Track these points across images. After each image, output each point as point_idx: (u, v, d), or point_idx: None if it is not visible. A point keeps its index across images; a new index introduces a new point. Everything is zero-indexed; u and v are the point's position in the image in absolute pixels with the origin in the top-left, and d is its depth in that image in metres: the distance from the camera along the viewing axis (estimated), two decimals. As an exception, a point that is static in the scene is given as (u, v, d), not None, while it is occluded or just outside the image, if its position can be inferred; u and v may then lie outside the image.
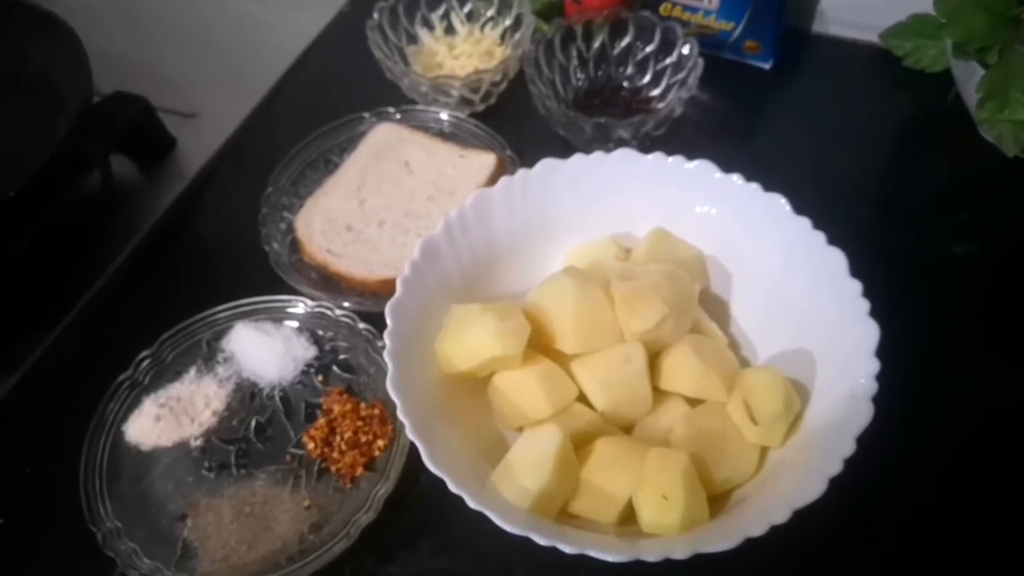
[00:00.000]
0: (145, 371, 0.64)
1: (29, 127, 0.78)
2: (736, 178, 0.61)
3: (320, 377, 0.65)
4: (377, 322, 0.60)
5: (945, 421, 0.60)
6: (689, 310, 0.59)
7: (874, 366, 0.51)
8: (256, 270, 0.69)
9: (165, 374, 0.65)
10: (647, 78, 0.81)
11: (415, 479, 0.59)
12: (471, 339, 0.55)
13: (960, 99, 0.77)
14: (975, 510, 0.57)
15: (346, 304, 0.66)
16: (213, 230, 0.78)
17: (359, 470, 0.59)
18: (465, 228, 0.62)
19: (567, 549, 0.46)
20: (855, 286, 0.54)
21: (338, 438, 0.60)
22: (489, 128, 0.77)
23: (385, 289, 0.65)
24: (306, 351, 0.65)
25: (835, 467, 0.47)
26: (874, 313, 0.53)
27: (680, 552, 0.45)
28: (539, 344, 0.57)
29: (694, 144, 0.64)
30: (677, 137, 0.74)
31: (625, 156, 0.63)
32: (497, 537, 0.47)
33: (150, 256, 0.75)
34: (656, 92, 0.81)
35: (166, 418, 0.62)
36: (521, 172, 0.63)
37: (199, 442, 0.62)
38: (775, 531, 0.46)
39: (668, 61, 0.79)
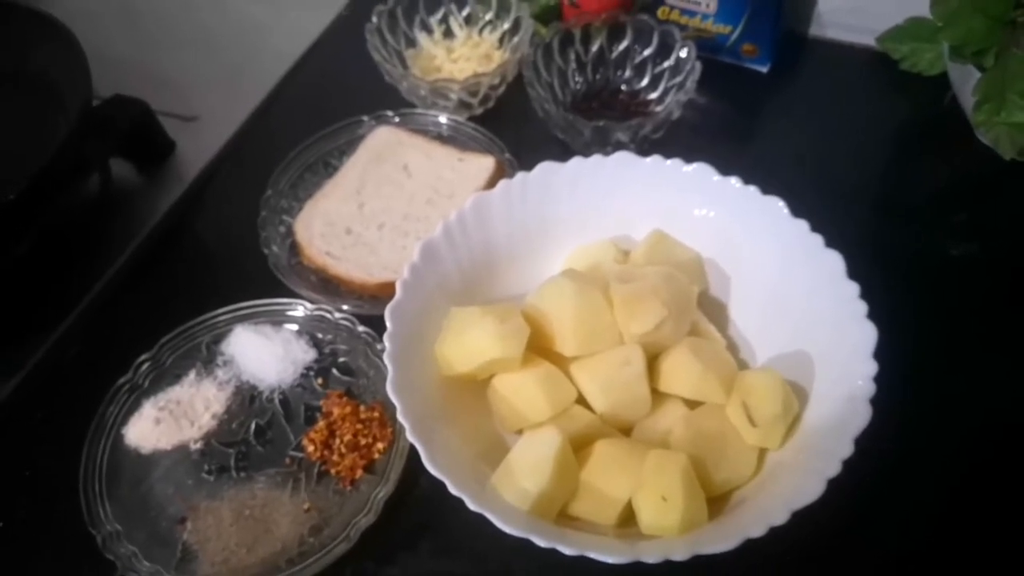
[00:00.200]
0: (145, 374, 0.64)
1: (29, 130, 0.78)
2: (734, 181, 0.61)
3: (320, 380, 0.65)
4: (376, 325, 0.61)
5: (944, 422, 0.60)
6: (688, 312, 0.59)
7: (872, 368, 0.51)
8: (255, 273, 0.69)
9: (165, 377, 0.65)
10: (645, 81, 0.81)
11: (415, 481, 0.59)
12: (471, 341, 0.56)
13: (957, 102, 0.77)
14: (974, 511, 0.57)
15: (345, 307, 0.66)
16: (212, 233, 0.78)
17: (359, 473, 0.59)
18: (464, 231, 0.62)
19: (567, 551, 0.46)
20: (853, 288, 0.54)
21: (338, 441, 0.60)
22: (488, 131, 0.78)
23: (384, 292, 0.65)
24: (305, 354, 0.66)
25: (834, 468, 0.47)
26: (872, 315, 0.53)
27: (680, 553, 0.45)
28: (538, 347, 0.57)
29: (692, 147, 0.64)
30: (675, 140, 0.74)
31: (623, 159, 0.64)
32: (497, 539, 0.48)
33: (150, 259, 0.75)
34: (654, 95, 0.81)
35: (166, 421, 0.62)
36: (520, 175, 0.63)
37: (199, 445, 0.62)
38: (774, 532, 0.46)
39: (666, 64, 0.80)
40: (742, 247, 0.62)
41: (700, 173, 0.62)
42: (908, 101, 0.82)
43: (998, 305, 0.68)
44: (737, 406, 0.55)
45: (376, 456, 0.60)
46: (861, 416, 0.49)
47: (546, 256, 0.65)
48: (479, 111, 0.82)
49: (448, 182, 0.75)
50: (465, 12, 0.87)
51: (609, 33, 0.81)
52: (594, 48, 0.82)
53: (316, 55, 0.92)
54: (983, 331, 0.66)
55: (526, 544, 0.47)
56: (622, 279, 0.58)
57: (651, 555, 0.46)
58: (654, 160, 0.63)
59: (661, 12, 0.84)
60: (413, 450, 0.54)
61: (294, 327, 0.67)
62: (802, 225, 0.58)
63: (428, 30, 0.86)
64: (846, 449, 0.48)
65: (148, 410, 0.63)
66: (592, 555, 0.46)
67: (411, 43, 0.86)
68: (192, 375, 0.65)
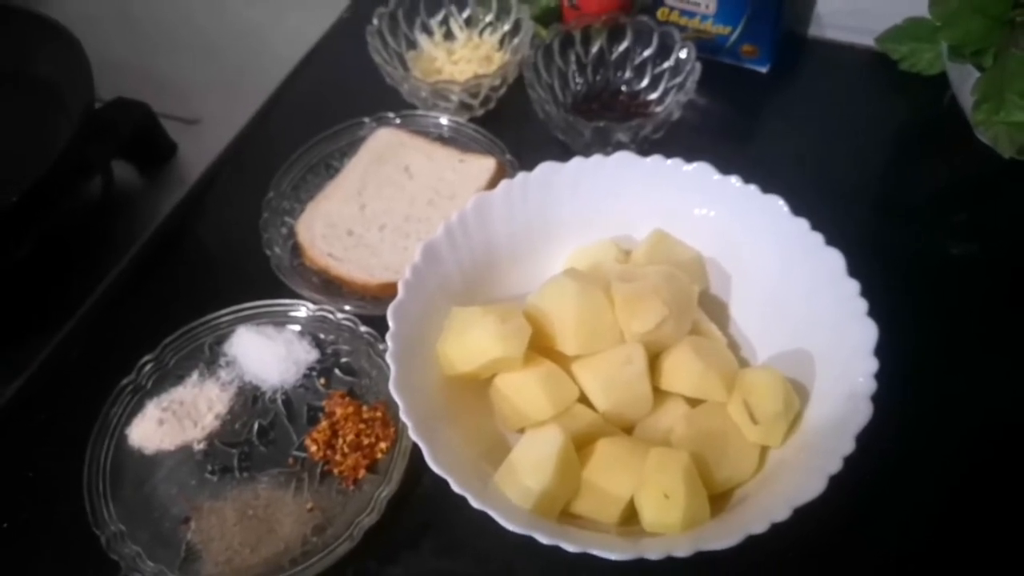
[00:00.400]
0: (148, 375, 0.65)
1: (32, 133, 0.78)
2: (734, 180, 0.61)
3: (322, 380, 0.65)
4: (378, 326, 0.61)
5: (945, 420, 0.60)
6: (689, 311, 0.59)
7: (873, 365, 0.51)
8: (257, 274, 0.70)
9: (168, 378, 0.65)
10: (645, 82, 0.82)
11: (417, 481, 0.59)
12: (472, 341, 0.56)
13: (956, 102, 0.77)
14: (975, 508, 0.57)
15: (347, 308, 0.67)
16: (215, 235, 0.78)
17: (361, 472, 0.59)
18: (466, 231, 0.62)
19: (570, 548, 0.46)
20: (853, 286, 0.55)
21: (340, 441, 0.61)
22: (489, 133, 0.78)
23: (386, 293, 0.65)
24: (308, 354, 0.66)
25: (835, 465, 0.47)
26: (872, 313, 0.53)
27: (682, 550, 0.46)
28: (540, 346, 0.58)
29: (692, 147, 0.65)
30: (675, 140, 0.74)
31: (624, 159, 0.64)
32: (500, 537, 0.48)
33: (152, 261, 0.75)
34: (654, 96, 0.81)
35: (169, 422, 0.62)
36: (521, 175, 0.64)
37: (202, 445, 0.62)
38: (776, 529, 0.46)
39: (666, 65, 0.80)
40: (742, 246, 0.62)
41: (700, 172, 0.62)
42: (907, 101, 0.82)
43: (998, 303, 0.68)
44: (738, 404, 0.55)
45: (379, 456, 0.60)
46: (862, 413, 0.50)
47: (547, 256, 0.65)
48: (480, 112, 0.83)
49: (449, 183, 0.75)
50: (466, 14, 0.87)
51: (609, 34, 0.81)
52: (594, 49, 0.82)
53: (317, 58, 0.92)
54: (983, 330, 0.66)
55: (528, 542, 0.47)
56: (623, 278, 0.58)
57: (653, 552, 0.46)
58: (654, 160, 0.63)
59: (661, 13, 0.85)
60: (415, 450, 0.54)
61: (296, 328, 0.67)
62: (802, 224, 0.58)
63: (429, 32, 0.87)
64: (847, 446, 0.48)
65: (151, 411, 0.63)
66: (594, 552, 0.46)
67: (412, 45, 0.86)
68: (195, 376, 0.65)
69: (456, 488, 0.48)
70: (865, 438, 0.49)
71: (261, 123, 0.86)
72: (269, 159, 0.77)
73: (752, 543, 0.45)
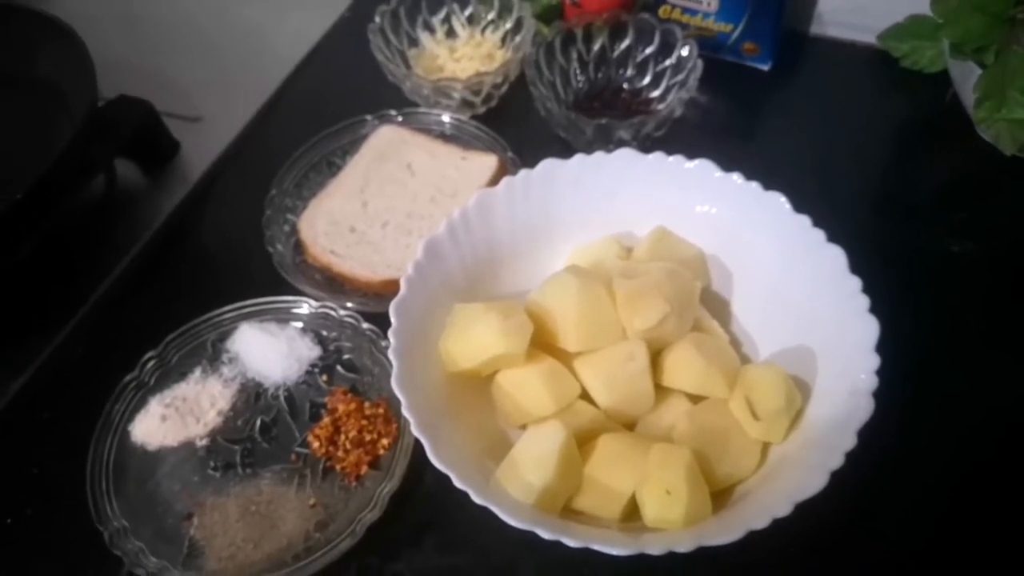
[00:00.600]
0: (151, 372, 0.65)
1: (34, 131, 0.79)
2: (736, 177, 0.61)
3: (324, 377, 0.65)
4: (381, 322, 0.61)
5: (946, 416, 0.60)
6: (690, 308, 0.59)
7: (874, 361, 0.51)
8: (260, 272, 0.70)
9: (171, 375, 0.65)
10: (647, 80, 0.82)
11: (420, 477, 0.59)
12: (475, 338, 0.56)
13: (958, 99, 0.77)
14: (976, 504, 0.57)
15: (350, 305, 0.67)
16: (217, 232, 0.78)
17: (364, 468, 0.59)
18: (468, 228, 0.62)
19: (571, 543, 0.46)
20: (855, 283, 0.55)
21: (343, 437, 0.61)
22: (490, 130, 0.78)
23: (388, 290, 0.66)
24: (310, 351, 0.66)
25: (836, 461, 0.48)
26: (874, 310, 0.53)
27: (684, 545, 0.46)
28: (542, 342, 0.58)
29: (694, 145, 0.65)
30: (677, 138, 0.74)
31: (626, 156, 0.64)
32: (502, 533, 0.48)
33: (155, 258, 0.75)
34: (656, 93, 0.81)
35: (172, 418, 0.63)
36: (523, 172, 0.64)
37: (205, 442, 0.62)
38: (777, 525, 0.46)
39: (668, 63, 0.80)
40: (744, 243, 0.62)
41: (702, 169, 0.62)
42: (909, 99, 0.82)
43: (998, 300, 0.68)
44: (740, 400, 0.55)
45: (381, 452, 0.60)
46: (864, 410, 0.50)
47: (549, 253, 0.66)
48: (482, 110, 0.83)
49: (451, 180, 0.75)
50: (467, 12, 0.87)
51: (611, 32, 0.81)
52: (596, 47, 0.82)
53: (319, 56, 0.92)
54: (984, 326, 0.66)
55: (530, 538, 0.47)
56: (625, 275, 0.58)
57: (655, 547, 0.46)
58: (656, 157, 0.63)
59: (663, 11, 0.85)
60: (418, 446, 0.54)
61: (299, 324, 0.67)
62: (804, 220, 0.58)
63: (431, 30, 0.87)
64: (849, 442, 0.48)
65: (154, 407, 0.63)
66: (596, 547, 0.46)
67: (414, 43, 0.86)
68: (198, 372, 0.65)
69: (458, 484, 0.48)
70: (867, 434, 0.49)
71: (263, 121, 0.86)
72: (271, 157, 0.77)
73: (754, 539, 0.46)
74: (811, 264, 0.57)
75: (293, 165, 0.76)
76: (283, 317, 0.68)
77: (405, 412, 0.51)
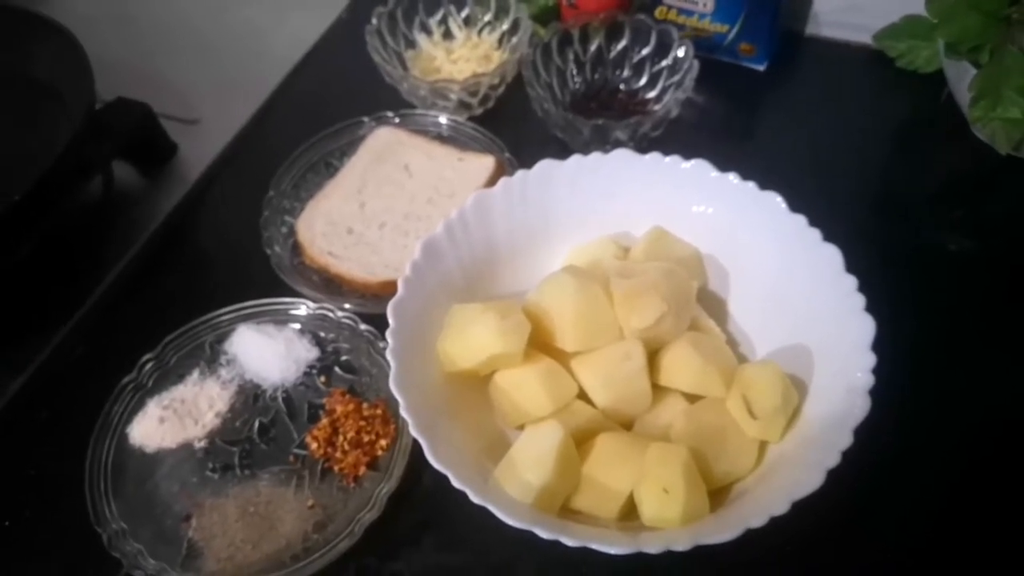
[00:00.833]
0: (149, 373, 0.65)
1: (32, 133, 0.79)
2: (732, 177, 0.61)
3: (322, 378, 0.65)
4: (378, 324, 0.61)
5: (943, 414, 0.61)
6: (687, 307, 0.59)
7: (871, 360, 0.51)
8: (258, 273, 0.70)
9: (169, 376, 0.65)
10: (643, 80, 0.82)
11: (418, 478, 0.59)
12: (472, 338, 0.56)
13: (953, 99, 0.78)
14: (973, 502, 0.57)
15: (347, 306, 0.67)
16: (215, 234, 0.78)
17: (362, 469, 0.60)
18: (466, 228, 0.62)
19: (570, 542, 0.46)
20: (851, 281, 0.55)
21: (341, 438, 0.61)
22: (487, 131, 0.78)
23: (386, 291, 0.66)
24: (308, 352, 0.66)
25: (833, 459, 0.48)
26: (870, 308, 0.53)
27: (681, 544, 0.46)
28: (539, 342, 0.58)
29: (691, 145, 0.65)
30: (674, 138, 0.74)
31: (623, 156, 0.64)
32: (500, 533, 0.48)
33: (153, 260, 0.75)
34: (652, 94, 0.81)
35: (170, 420, 0.63)
36: (521, 172, 0.64)
37: (203, 443, 0.62)
38: (775, 523, 0.46)
39: (664, 63, 0.80)
40: (741, 242, 0.62)
41: (698, 169, 0.62)
42: (905, 98, 0.83)
43: (995, 298, 0.68)
44: (737, 399, 0.55)
45: (379, 453, 0.60)
46: (860, 408, 0.50)
47: (547, 253, 0.66)
48: (479, 111, 0.83)
49: (448, 181, 0.75)
50: (464, 13, 0.87)
51: (607, 33, 0.81)
52: (592, 48, 0.82)
53: (316, 57, 0.92)
54: (981, 324, 0.66)
55: (528, 538, 0.47)
56: (622, 275, 0.58)
57: (653, 546, 0.46)
58: (653, 157, 0.63)
59: (659, 12, 0.85)
60: (416, 447, 0.55)
61: (297, 326, 0.68)
62: (800, 220, 0.58)
63: (427, 31, 0.87)
64: (846, 440, 0.48)
65: (152, 409, 0.63)
66: (594, 546, 0.46)
67: (411, 44, 0.86)
68: (196, 374, 0.65)
69: (456, 484, 0.48)
70: (864, 432, 0.49)
71: (261, 123, 0.86)
72: (269, 158, 0.77)
73: (751, 537, 0.46)
74: (807, 263, 0.58)
75: (291, 166, 0.77)
76: (281, 318, 0.68)
77: (403, 413, 0.51)
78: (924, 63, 0.81)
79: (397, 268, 0.67)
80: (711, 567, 0.51)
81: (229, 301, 0.68)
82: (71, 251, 0.75)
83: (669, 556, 0.46)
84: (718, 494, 0.54)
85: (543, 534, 0.47)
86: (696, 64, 0.76)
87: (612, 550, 0.46)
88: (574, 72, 0.83)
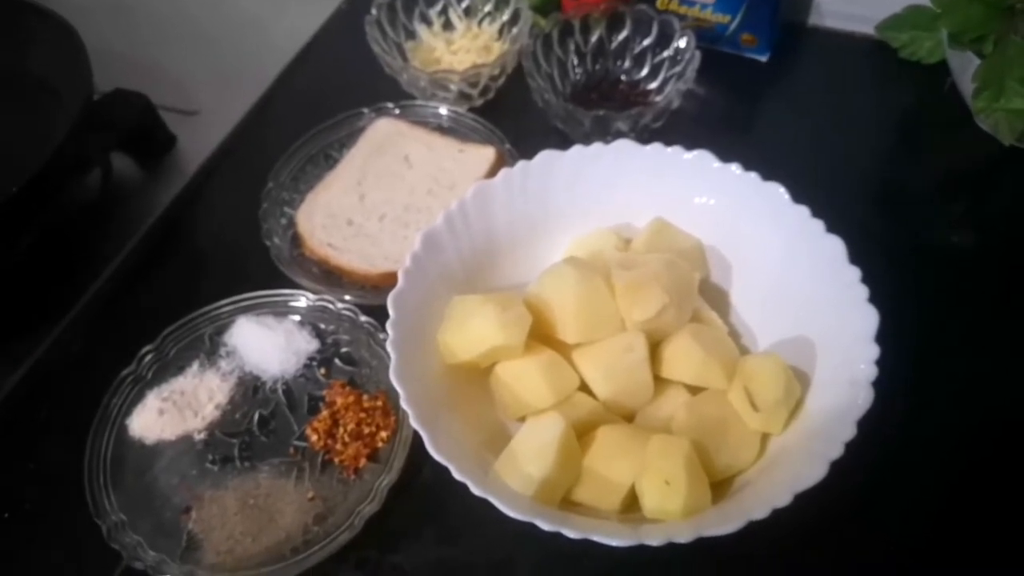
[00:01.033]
0: (148, 365, 0.65)
1: (30, 125, 0.78)
2: (735, 168, 0.61)
3: (322, 370, 0.65)
4: (378, 315, 0.61)
5: (946, 406, 0.60)
6: (689, 299, 0.59)
7: (874, 352, 0.51)
8: (258, 265, 0.70)
9: (168, 368, 0.65)
10: (645, 71, 0.81)
11: (418, 470, 0.59)
12: (473, 329, 0.56)
13: (956, 89, 0.77)
14: (976, 494, 0.57)
15: (347, 298, 0.67)
16: (214, 226, 0.78)
17: (362, 461, 0.59)
18: (466, 220, 0.62)
19: (571, 534, 0.46)
20: (854, 273, 0.54)
21: (341, 430, 0.61)
22: (488, 122, 0.78)
23: (386, 282, 0.65)
24: (308, 344, 0.66)
25: (836, 451, 0.47)
26: (873, 300, 0.53)
27: (683, 536, 0.46)
28: (541, 334, 0.58)
29: (692, 136, 0.64)
30: (675, 129, 0.74)
31: (624, 147, 0.64)
32: (501, 525, 0.48)
33: (152, 253, 0.75)
34: (654, 85, 0.81)
35: (169, 412, 0.62)
36: (521, 163, 0.63)
37: (203, 435, 0.62)
38: (777, 516, 0.46)
39: (665, 54, 0.80)
40: (743, 233, 0.62)
41: (701, 160, 0.62)
42: (908, 89, 0.82)
43: (998, 289, 0.68)
44: (739, 391, 0.55)
45: (379, 445, 0.60)
46: (863, 399, 0.50)
47: (548, 244, 0.65)
48: (479, 102, 0.82)
49: (449, 173, 0.75)
50: (464, 4, 0.87)
51: (608, 23, 0.81)
52: (593, 38, 0.82)
53: (316, 48, 0.92)
54: (984, 315, 0.66)
55: (529, 530, 0.47)
56: (624, 266, 0.58)
57: (654, 538, 0.46)
58: (654, 148, 0.63)
59: (660, 2, 0.84)
60: (416, 439, 0.54)
61: (296, 318, 0.67)
62: (803, 211, 0.58)
63: (427, 22, 0.86)
64: (848, 432, 0.48)
65: (152, 401, 0.63)
66: (596, 538, 0.46)
67: (411, 35, 0.86)
68: (195, 366, 0.65)
69: (457, 476, 0.48)
70: (867, 424, 0.49)
71: (260, 114, 0.86)
72: (268, 150, 0.77)
73: (753, 529, 0.45)
74: (810, 254, 0.57)
75: (290, 158, 0.76)
76: (281, 310, 0.68)
77: (404, 404, 0.51)
78: (927, 54, 0.81)
79: (397, 260, 0.67)
80: (713, 559, 0.51)
81: (228, 293, 0.68)
82: (70, 243, 0.75)
83: (671, 548, 0.46)
84: (720, 486, 0.54)
85: (544, 526, 0.46)
86: (698, 55, 0.75)
87: (613, 542, 0.46)
88: (575, 63, 0.82)
